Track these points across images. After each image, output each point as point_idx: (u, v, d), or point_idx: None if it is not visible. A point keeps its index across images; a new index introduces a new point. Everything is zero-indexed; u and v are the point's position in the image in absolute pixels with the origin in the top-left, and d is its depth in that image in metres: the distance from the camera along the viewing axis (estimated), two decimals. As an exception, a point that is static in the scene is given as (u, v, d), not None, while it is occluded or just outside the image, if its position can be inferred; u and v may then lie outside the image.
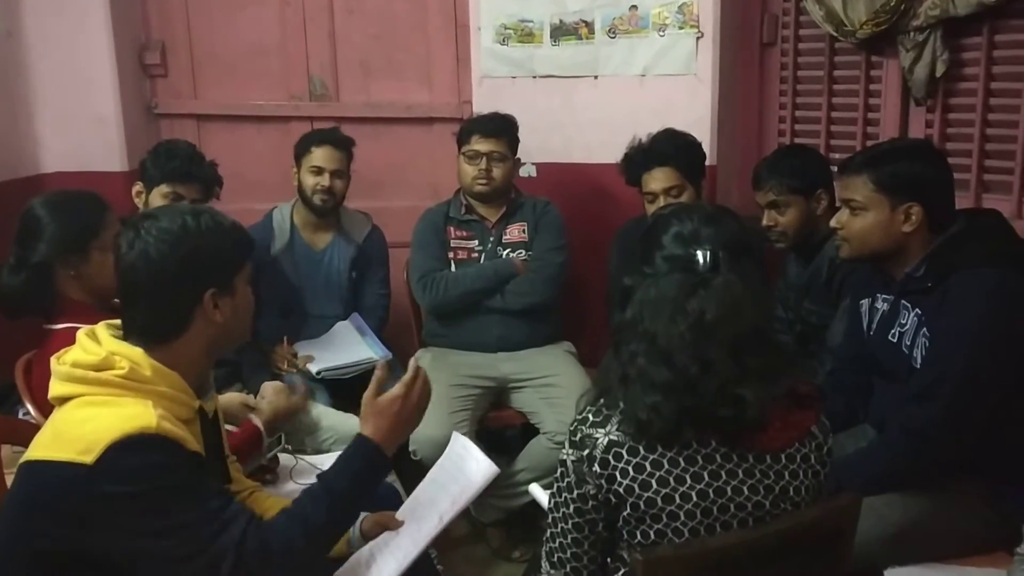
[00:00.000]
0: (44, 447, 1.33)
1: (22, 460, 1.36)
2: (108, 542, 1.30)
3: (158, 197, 2.44)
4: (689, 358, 1.26)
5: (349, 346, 2.80)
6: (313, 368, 2.70)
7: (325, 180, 2.82)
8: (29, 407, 1.99)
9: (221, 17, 3.40)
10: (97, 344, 1.40)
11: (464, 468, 1.65)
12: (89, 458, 1.25)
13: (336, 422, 2.44)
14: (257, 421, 2.02)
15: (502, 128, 2.85)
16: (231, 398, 2.15)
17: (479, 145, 2.82)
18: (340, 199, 2.89)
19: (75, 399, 1.35)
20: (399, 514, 1.69)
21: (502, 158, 2.84)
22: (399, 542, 1.61)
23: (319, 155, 2.83)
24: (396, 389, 1.57)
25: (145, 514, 1.28)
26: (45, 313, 1.99)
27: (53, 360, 1.41)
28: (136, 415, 1.31)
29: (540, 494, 1.72)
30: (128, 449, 1.27)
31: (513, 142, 2.88)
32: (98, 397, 1.34)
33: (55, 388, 1.38)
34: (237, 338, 1.54)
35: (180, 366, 1.42)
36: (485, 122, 2.86)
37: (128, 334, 1.43)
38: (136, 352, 1.39)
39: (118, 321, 1.47)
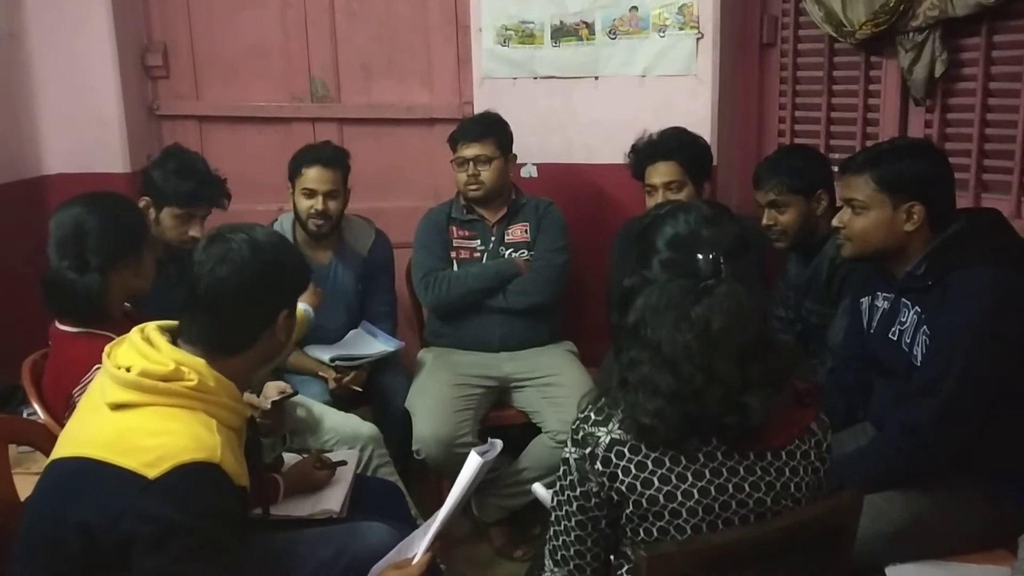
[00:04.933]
0: (106, 448, 1.31)
1: (76, 454, 1.33)
2: (124, 557, 1.28)
3: (169, 217, 2.40)
4: (695, 367, 1.25)
5: (364, 345, 2.82)
6: (326, 356, 2.71)
7: (319, 203, 2.72)
8: (36, 407, 1.98)
9: (223, 19, 3.41)
10: (157, 351, 1.40)
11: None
12: (152, 473, 1.27)
13: (338, 423, 2.45)
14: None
15: (485, 130, 2.83)
16: None
17: (464, 151, 2.82)
18: (337, 220, 2.79)
19: (143, 407, 1.35)
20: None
21: (488, 160, 2.82)
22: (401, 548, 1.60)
23: (310, 176, 2.72)
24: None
25: (171, 548, 1.27)
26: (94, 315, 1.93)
27: (108, 364, 1.40)
28: (204, 441, 1.32)
29: (543, 493, 1.73)
30: (189, 476, 1.28)
31: (501, 141, 2.85)
32: (167, 409, 1.35)
33: (117, 395, 1.36)
34: (280, 355, 1.57)
35: (234, 377, 1.44)
36: (467, 127, 2.85)
37: (189, 342, 1.44)
38: (200, 362, 1.40)
39: (167, 323, 1.47)
